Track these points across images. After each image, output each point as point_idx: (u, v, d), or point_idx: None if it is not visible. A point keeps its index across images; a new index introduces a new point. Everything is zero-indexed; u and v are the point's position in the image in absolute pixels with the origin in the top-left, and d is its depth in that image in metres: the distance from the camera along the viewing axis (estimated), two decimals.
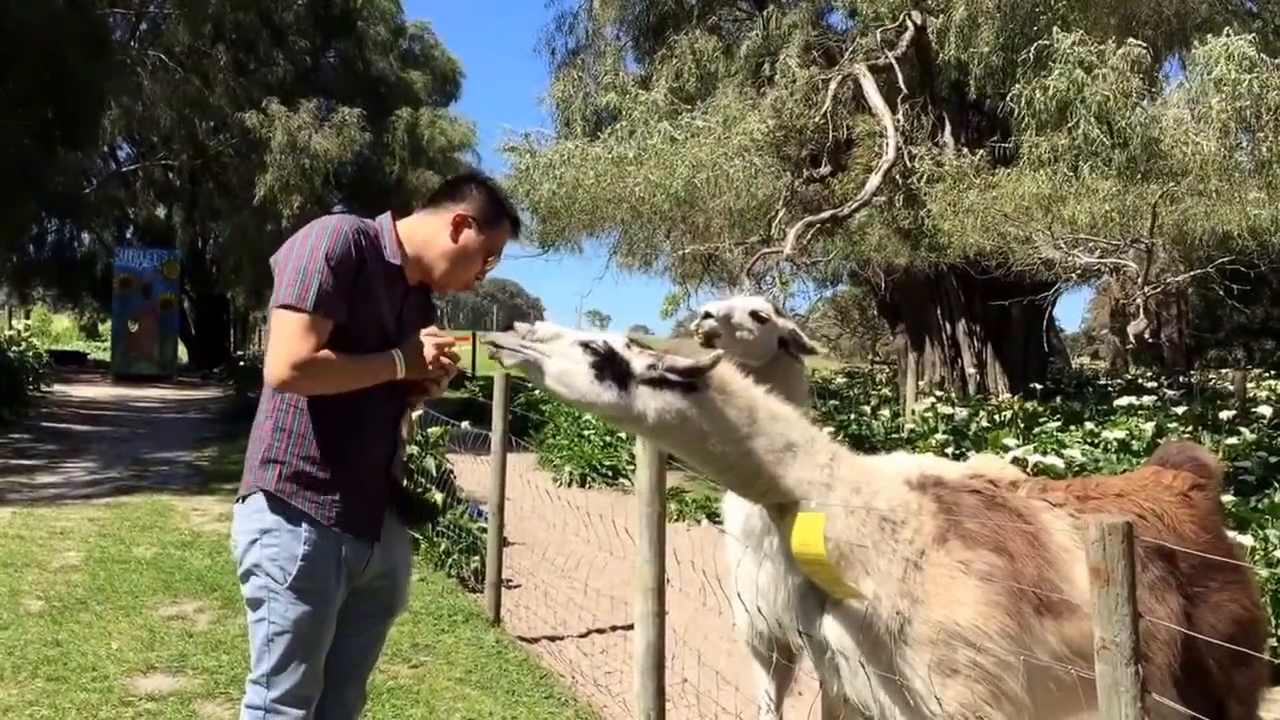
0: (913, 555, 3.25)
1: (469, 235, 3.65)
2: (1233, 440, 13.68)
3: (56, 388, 27.92)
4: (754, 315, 4.48)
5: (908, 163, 14.25)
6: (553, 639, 7.71)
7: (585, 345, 3.22)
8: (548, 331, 3.29)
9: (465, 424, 10.95)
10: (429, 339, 3.56)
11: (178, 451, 17.08)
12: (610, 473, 15.45)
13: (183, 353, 39.67)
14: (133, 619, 7.49)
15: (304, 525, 3.48)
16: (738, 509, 4.18)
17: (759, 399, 3.34)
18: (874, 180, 13.50)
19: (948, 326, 21.32)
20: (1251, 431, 14.64)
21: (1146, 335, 11.18)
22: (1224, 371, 34.86)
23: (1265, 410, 15.55)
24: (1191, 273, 13.25)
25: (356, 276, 3.45)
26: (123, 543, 9.96)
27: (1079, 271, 13.21)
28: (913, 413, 16.96)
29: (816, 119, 14.67)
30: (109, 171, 36.44)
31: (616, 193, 13.61)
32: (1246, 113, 9.20)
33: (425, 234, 3.65)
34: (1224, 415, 15.28)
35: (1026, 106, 10.80)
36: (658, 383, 3.20)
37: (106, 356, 38.76)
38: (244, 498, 3.61)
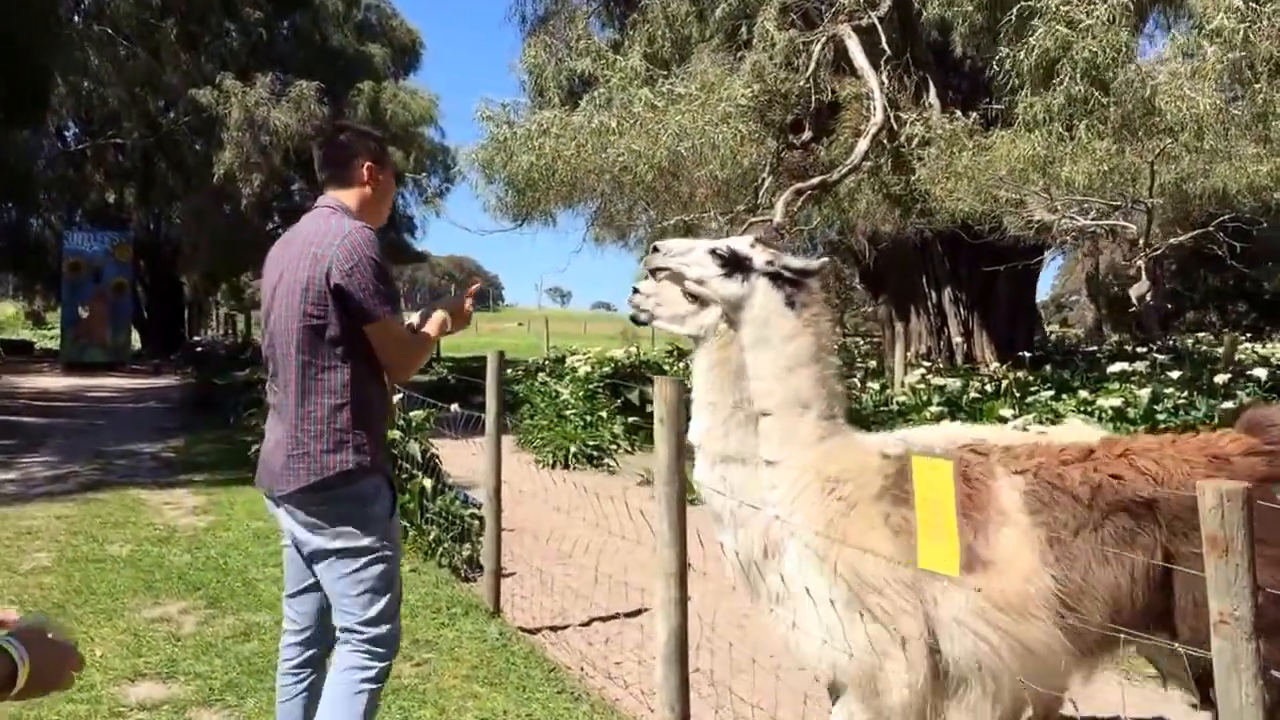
0: (844, 507, 3.77)
1: (384, 177, 4.38)
2: (1228, 404, 13.65)
3: (5, 378, 27.45)
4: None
5: (894, 126, 14.07)
6: (555, 629, 7.55)
7: (713, 252, 4.09)
8: (685, 246, 4.21)
9: (455, 406, 10.76)
10: (466, 299, 4.49)
11: (140, 443, 16.76)
12: (595, 453, 15.29)
13: (136, 340, 39.08)
14: (115, 622, 7.27)
15: (384, 481, 4.19)
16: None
17: (830, 360, 4.04)
18: (862, 145, 13.34)
19: (933, 295, 21.25)
20: (1247, 395, 14.62)
21: (1148, 298, 11.07)
22: (1201, 335, 34.98)
23: (1260, 373, 15.49)
24: (1192, 232, 13.16)
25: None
26: (95, 540, 9.69)
27: (1074, 234, 13.10)
28: (902, 384, 16.85)
29: (801, 83, 14.45)
30: (56, 152, 35.77)
31: (598, 164, 13.40)
32: (1242, 64, 9.07)
33: (359, 202, 4.29)
34: (1218, 380, 15.25)
35: (1012, 67, 10.65)
36: (774, 276, 3.97)
37: (55, 345, 38.25)
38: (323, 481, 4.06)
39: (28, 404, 22.88)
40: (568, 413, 16.90)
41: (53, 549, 9.36)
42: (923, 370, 17.52)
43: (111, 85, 28.94)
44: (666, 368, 22.01)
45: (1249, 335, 34.53)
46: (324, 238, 4.01)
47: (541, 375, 20.77)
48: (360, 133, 4.49)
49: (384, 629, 4.13)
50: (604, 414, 17.01)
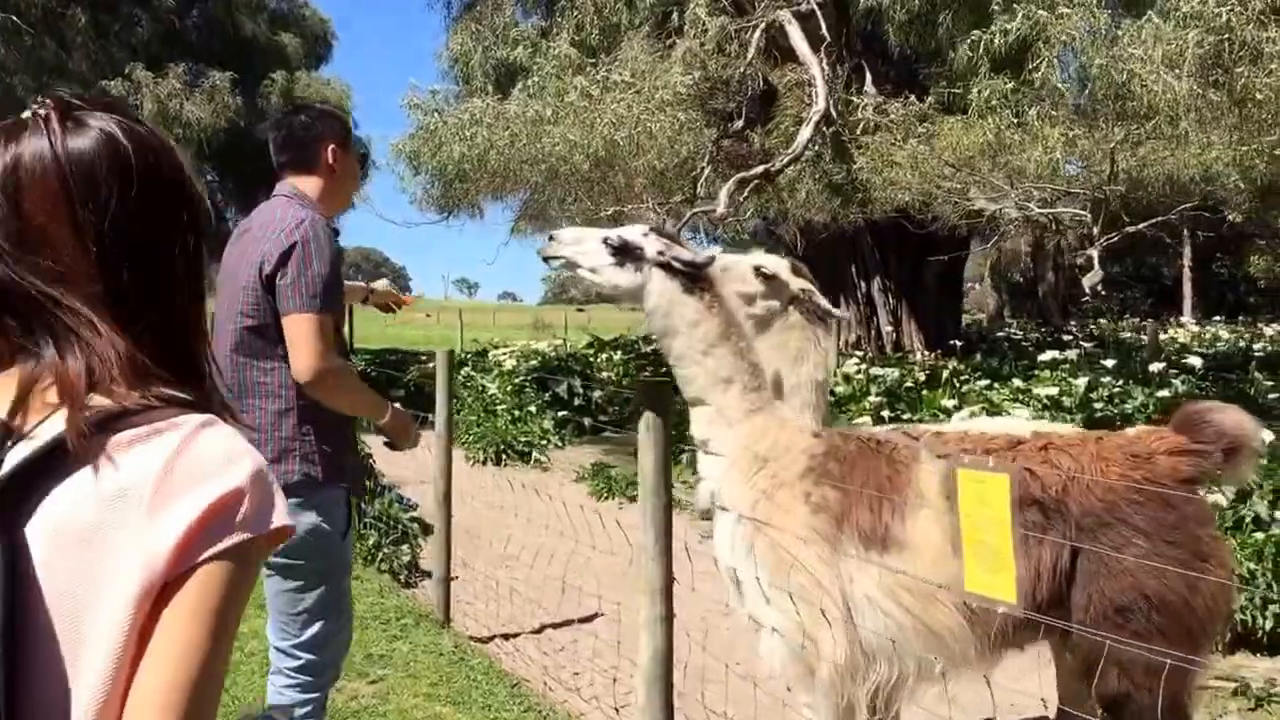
0: (769, 487, 3.84)
1: (346, 160, 4.08)
2: (1164, 393, 13.62)
3: None
4: (756, 270, 4.59)
5: (833, 113, 13.77)
6: (507, 637, 7.25)
7: (605, 240, 4.11)
8: (578, 235, 4.24)
9: (397, 405, 10.27)
10: (411, 422, 4.24)
11: None
12: (525, 449, 14.92)
13: None
14: None
15: (340, 497, 3.92)
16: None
17: (736, 332, 4.05)
18: (805, 132, 13.01)
19: (862, 285, 21.08)
20: (1182, 384, 14.62)
21: (1099, 288, 10.90)
22: (1101, 321, 35.50)
23: (1195, 361, 15.52)
24: (1151, 220, 13.03)
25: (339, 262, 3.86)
26: None
27: (1018, 223, 12.91)
28: (835, 374, 16.59)
29: (742, 69, 14.10)
30: None
31: (532, 154, 12.95)
32: (1222, 48, 8.89)
33: (319, 188, 4.00)
34: (1154, 368, 15.24)
35: (984, 50, 10.38)
36: (665, 267, 4.01)
37: None
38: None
39: None
40: (497, 408, 16.47)
41: None
42: (857, 359, 17.30)
43: (18, 74, 27.77)
44: (591, 360, 21.64)
45: (1148, 320, 35.09)
46: (270, 229, 3.71)
47: (466, 369, 20.35)
48: (322, 112, 4.20)
49: (314, 657, 3.87)
50: (533, 409, 16.64)
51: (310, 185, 3.98)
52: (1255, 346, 24.08)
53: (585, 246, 4.17)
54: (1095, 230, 10.89)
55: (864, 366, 16.29)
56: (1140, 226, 11.89)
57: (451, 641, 6.87)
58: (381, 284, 4.86)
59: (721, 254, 4.60)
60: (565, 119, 12.62)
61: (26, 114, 1.51)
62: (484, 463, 14.56)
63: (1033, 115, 10.38)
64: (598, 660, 6.54)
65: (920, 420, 12.49)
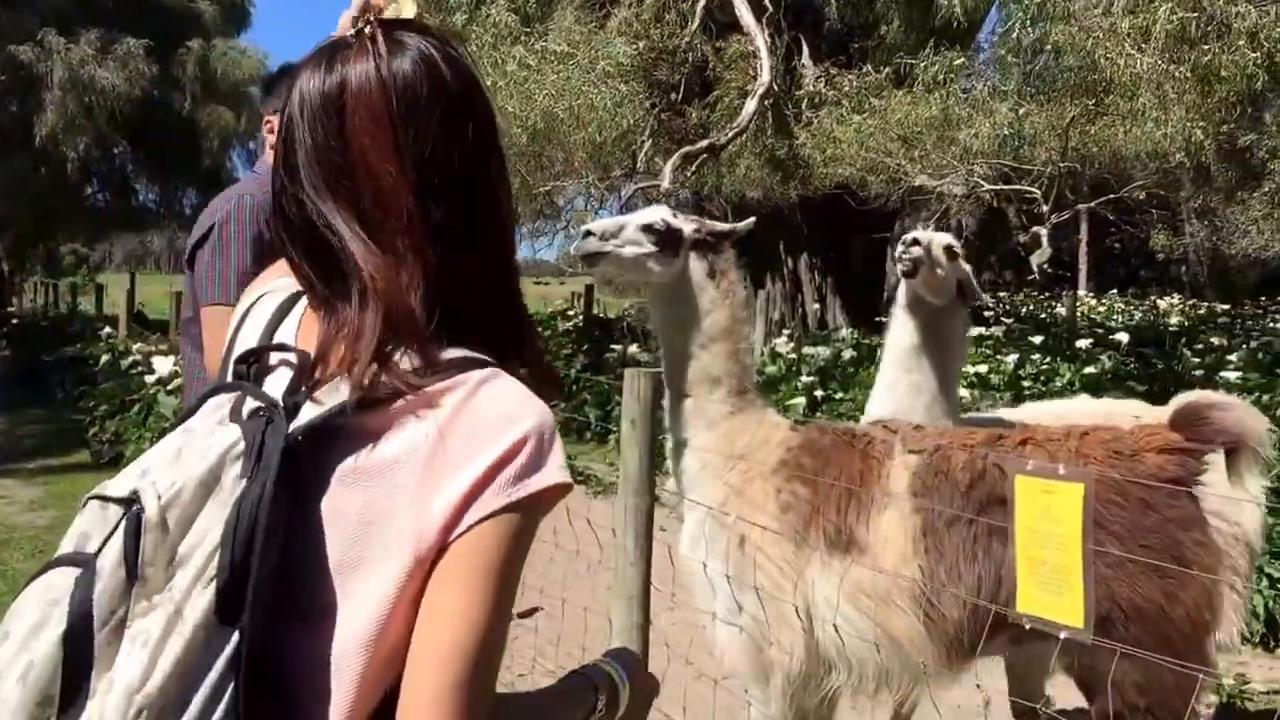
0: (739, 483, 3.69)
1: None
2: (1091, 369, 13.52)
3: None
4: (948, 250, 4.46)
5: (775, 86, 13.39)
6: None
7: (648, 228, 3.78)
8: (614, 225, 3.85)
9: None
10: None
11: None
12: None
13: None
14: None
15: None
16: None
17: (745, 330, 3.95)
18: (750, 105, 12.62)
19: (789, 261, 20.77)
20: (1109, 360, 14.53)
21: (1046, 266, 10.68)
22: (1001, 295, 35.85)
23: (1122, 337, 15.44)
24: (1105, 198, 12.84)
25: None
26: None
27: (961, 198, 12.65)
28: (763, 353, 16.31)
29: (686, 40, 13.66)
30: None
31: None
32: (1190, 21, 8.65)
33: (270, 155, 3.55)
34: (1080, 344, 15.15)
35: (929, 24, 10.06)
36: (701, 245, 3.81)
37: None
38: None
39: None
40: None
41: None
42: (786, 337, 17.01)
43: None
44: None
45: (1046, 295, 35.48)
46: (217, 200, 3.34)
47: None
48: (285, 71, 3.87)
49: None
50: None
51: (268, 158, 3.58)
52: (1171, 321, 24.26)
53: (627, 236, 3.83)
54: (1045, 208, 10.65)
55: (793, 345, 16.01)
56: (1091, 205, 11.70)
57: None
58: None
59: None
60: (503, 90, 12.10)
61: (350, 33, 1.46)
62: None
63: (980, 90, 10.11)
64: (541, 661, 6.15)
65: (852, 400, 12.24)
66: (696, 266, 3.85)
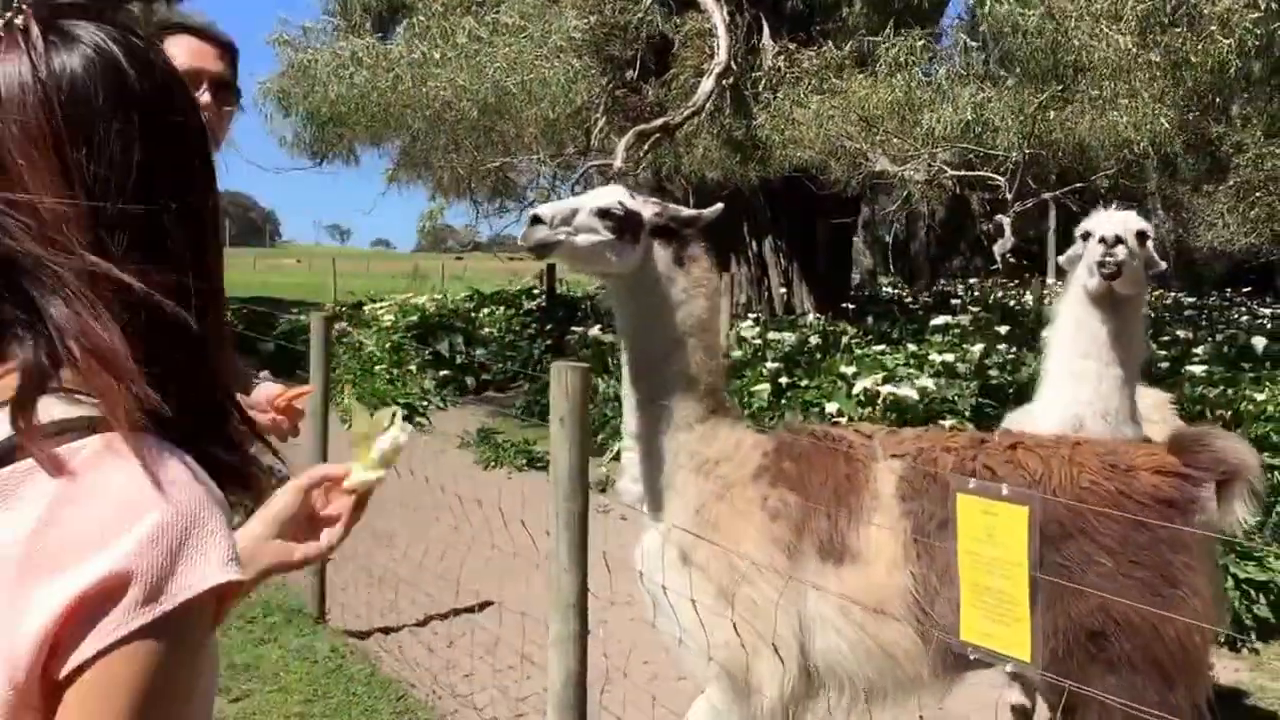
0: (719, 489, 3.41)
1: None
2: None
3: None
4: (1140, 236, 4.19)
5: (734, 65, 13.16)
6: (388, 630, 6.61)
7: (604, 213, 3.40)
8: (566, 209, 3.45)
9: (265, 373, 9.49)
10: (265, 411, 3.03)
11: None
12: (405, 410, 14.11)
13: None
14: None
15: None
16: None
17: (720, 323, 3.73)
18: (707, 84, 12.38)
19: (754, 244, 20.59)
20: None
21: (1009, 256, 10.54)
22: (971, 281, 35.90)
23: None
24: (1069, 187, 12.69)
25: None
26: None
27: (923, 185, 12.47)
28: (727, 337, 16.13)
29: (640, 15, 13.40)
30: None
31: (416, 97, 12.10)
32: (1161, 5, 8.49)
33: None
34: (1046, 334, 15.03)
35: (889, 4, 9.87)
36: (663, 231, 3.47)
37: None
38: None
39: None
40: (375, 368, 15.64)
41: None
42: (751, 322, 16.82)
43: None
44: (473, 315, 20.87)
45: (1015, 283, 35.60)
46: None
47: (340, 324, 19.45)
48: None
49: None
50: (413, 367, 15.85)
51: None
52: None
53: (580, 222, 3.44)
54: (1009, 195, 10.49)
55: (759, 330, 15.86)
56: (1057, 194, 11.57)
57: (327, 644, 6.16)
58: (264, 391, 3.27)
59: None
60: (453, 62, 11.81)
61: None
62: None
63: (942, 74, 9.91)
64: (488, 659, 5.95)
65: (817, 388, 12.09)
66: (661, 254, 3.51)
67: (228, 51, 3.23)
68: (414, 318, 19.02)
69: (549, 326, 19.66)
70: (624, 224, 3.43)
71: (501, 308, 21.95)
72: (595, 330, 16.45)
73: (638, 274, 3.51)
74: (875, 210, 18.28)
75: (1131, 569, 3.15)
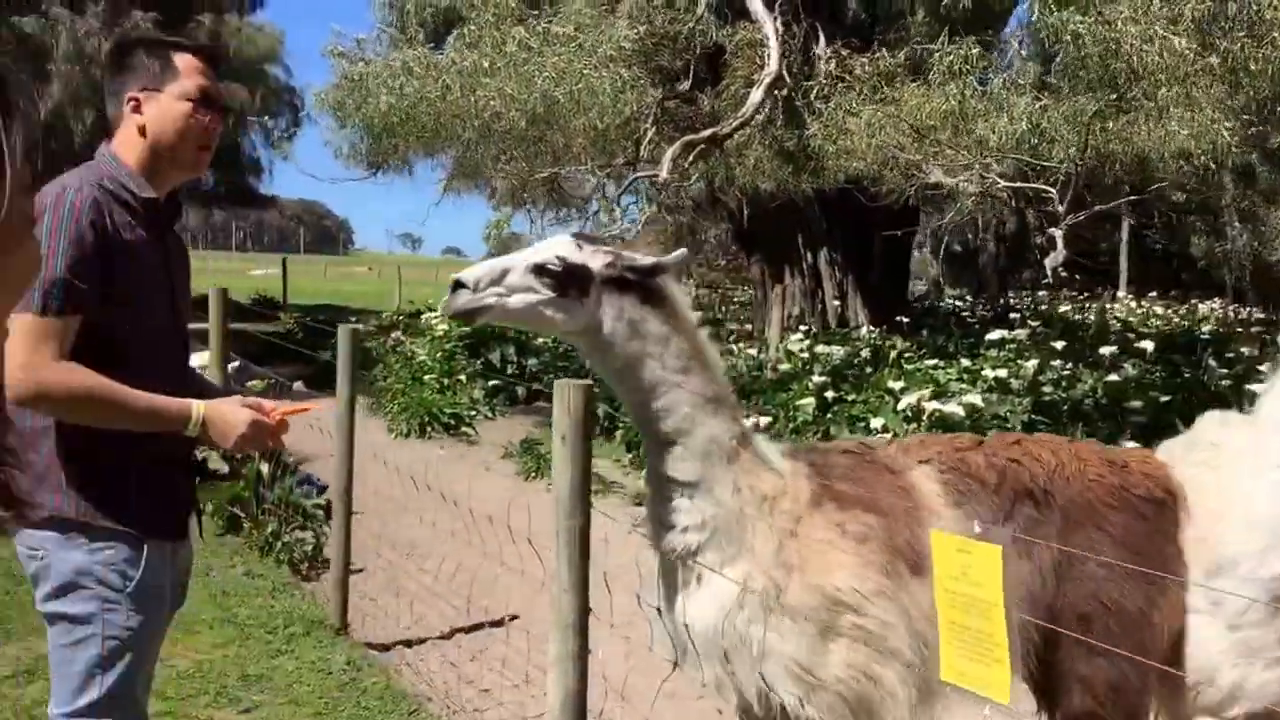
0: (789, 525, 3.22)
1: (153, 108, 3.16)
2: (1114, 377, 13.26)
3: None
4: None
5: (785, 76, 13.11)
6: (410, 644, 6.61)
7: (540, 269, 3.15)
8: (496, 269, 3.19)
9: (299, 384, 9.59)
10: (247, 415, 3.11)
11: None
12: (451, 420, 14.28)
13: None
14: None
15: (124, 547, 3.10)
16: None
17: (705, 340, 3.37)
18: (756, 95, 12.33)
19: (809, 256, 20.48)
20: (1133, 368, 14.25)
21: (1061, 270, 10.39)
22: (1040, 294, 35.56)
23: (1147, 345, 15.12)
24: (1125, 198, 12.49)
25: (107, 247, 2.99)
26: None
27: (976, 197, 12.33)
28: (778, 349, 16.07)
29: (690, 25, 13.40)
30: None
31: (465, 108, 12.18)
32: (1220, 10, 8.32)
33: (133, 143, 3.17)
34: (1104, 351, 14.87)
35: (946, 12, 9.76)
36: (616, 283, 3.18)
37: None
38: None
39: None
40: (425, 377, 15.74)
41: None
42: (801, 335, 16.75)
43: None
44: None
45: (1085, 296, 35.19)
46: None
47: (396, 333, 19.62)
48: (137, 46, 3.33)
49: None
50: (463, 377, 15.96)
51: (123, 146, 3.18)
52: (1204, 329, 23.84)
53: (513, 282, 3.18)
54: (1060, 208, 10.32)
55: (808, 343, 15.78)
56: (1111, 206, 11.38)
57: (344, 656, 6.17)
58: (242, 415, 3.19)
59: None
60: (502, 72, 11.88)
61: None
62: (407, 435, 14.03)
63: (998, 83, 9.79)
64: (508, 673, 5.92)
65: (864, 402, 12.02)
66: (623, 301, 3.22)
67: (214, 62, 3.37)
68: (467, 327, 19.18)
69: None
70: (565, 280, 3.17)
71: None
72: None
73: (597, 330, 3.24)
74: (941, 221, 18.10)
75: (1131, 558, 3.32)
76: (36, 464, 3.00)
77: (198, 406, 3.06)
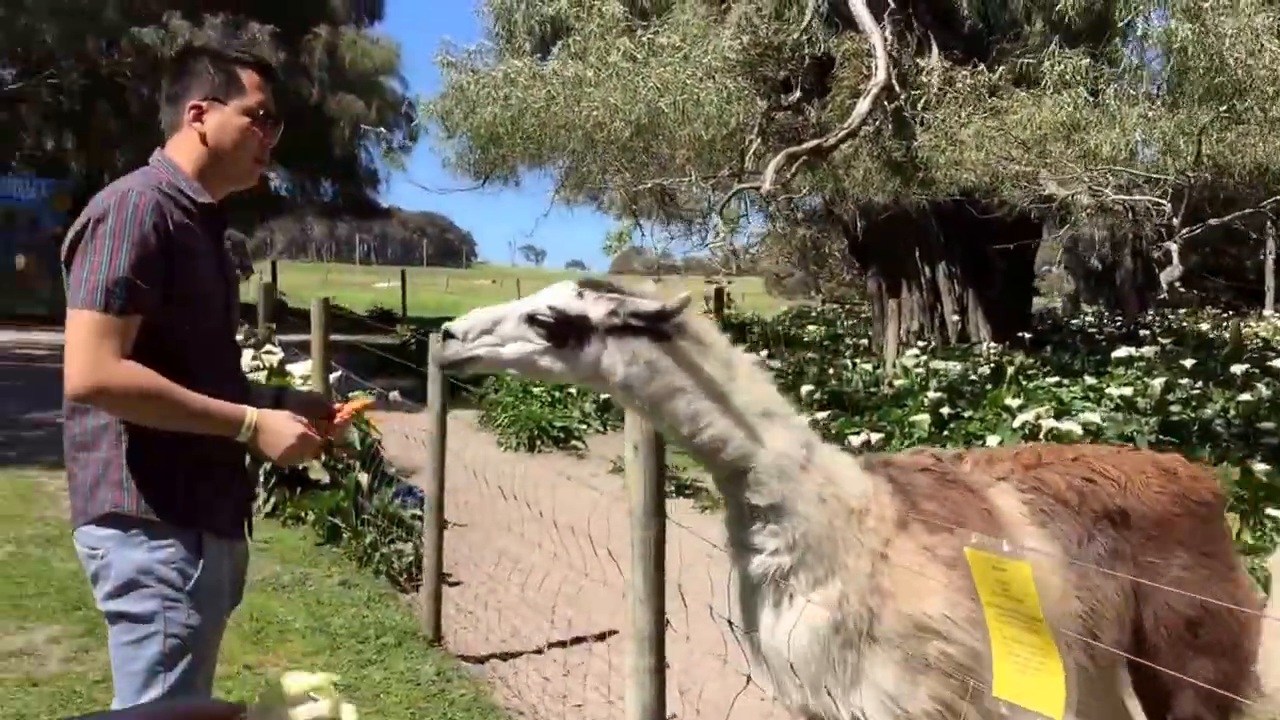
0: (878, 545, 3.12)
1: (214, 119, 3.29)
2: (1246, 396, 12.95)
3: None
4: None
5: (894, 86, 13.05)
6: (505, 657, 6.63)
7: (532, 319, 3.07)
8: (487, 319, 3.12)
9: (395, 394, 9.78)
10: (298, 428, 3.20)
11: (60, 411, 15.51)
12: (561, 434, 14.43)
13: None
14: None
15: (186, 542, 3.20)
16: None
17: (737, 353, 3.23)
18: (863, 105, 12.28)
19: (927, 270, 20.32)
20: (1266, 387, 13.90)
21: (1178, 284, 10.19)
22: (1182, 311, 34.73)
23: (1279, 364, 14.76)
24: (1237, 213, 12.20)
25: (169, 248, 3.10)
26: None
27: (1092, 210, 12.14)
28: (894, 365, 15.98)
29: (795, 36, 13.40)
30: None
31: (569, 118, 12.33)
32: None
33: (191, 150, 3.29)
34: (1235, 369, 14.54)
35: (1058, 21, 9.63)
36: (622, 330, 3.05)
37: None
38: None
39: None
40: (536, 390, 15.93)
41: None
42: (917, 350, 16.63)
43: (47, 20, 27.52)
44: None
45: (1229, 313, 34.28)
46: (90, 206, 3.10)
47: None
48: (187, 58, 3.47)
49: None
50: (573, 391, 16.10)
51: (180, 153, 3.30)
52: None
53: (504, 332, 3.09)
54: (1175, 221, 10.12)
55: (924, 359, 15.67)
56: (1225, 220, 11.10)
57: (435, 667, 6.25)
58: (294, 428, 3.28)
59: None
60: (607, 82, 12.01)
61: None
62: (516, 449, 14.14)
63: (1110, 94, 9.64)
64: (602, 689, 5.97)
65: (981, 419, 11.89)
66: (633, 347, 3.07)
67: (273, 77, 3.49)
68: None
69: None
70: (560, 330, 3.07)
71: None
72: (755, 357, 16.52)
73: (608, 378, 3.13)
74: (1057, 234, 17.80)
75: (1204, 560, 3.51)
76: (98, 461, 3.13)
77: (251, 413, 3.15)
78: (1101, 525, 3.41)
